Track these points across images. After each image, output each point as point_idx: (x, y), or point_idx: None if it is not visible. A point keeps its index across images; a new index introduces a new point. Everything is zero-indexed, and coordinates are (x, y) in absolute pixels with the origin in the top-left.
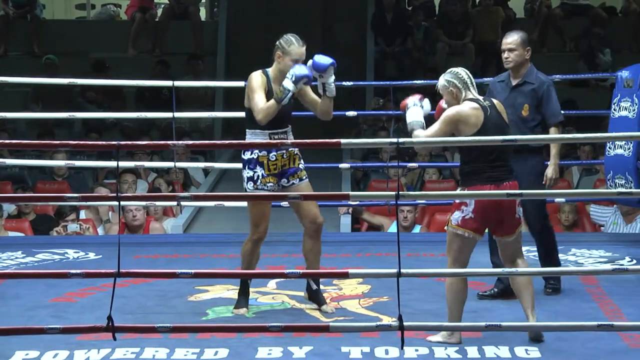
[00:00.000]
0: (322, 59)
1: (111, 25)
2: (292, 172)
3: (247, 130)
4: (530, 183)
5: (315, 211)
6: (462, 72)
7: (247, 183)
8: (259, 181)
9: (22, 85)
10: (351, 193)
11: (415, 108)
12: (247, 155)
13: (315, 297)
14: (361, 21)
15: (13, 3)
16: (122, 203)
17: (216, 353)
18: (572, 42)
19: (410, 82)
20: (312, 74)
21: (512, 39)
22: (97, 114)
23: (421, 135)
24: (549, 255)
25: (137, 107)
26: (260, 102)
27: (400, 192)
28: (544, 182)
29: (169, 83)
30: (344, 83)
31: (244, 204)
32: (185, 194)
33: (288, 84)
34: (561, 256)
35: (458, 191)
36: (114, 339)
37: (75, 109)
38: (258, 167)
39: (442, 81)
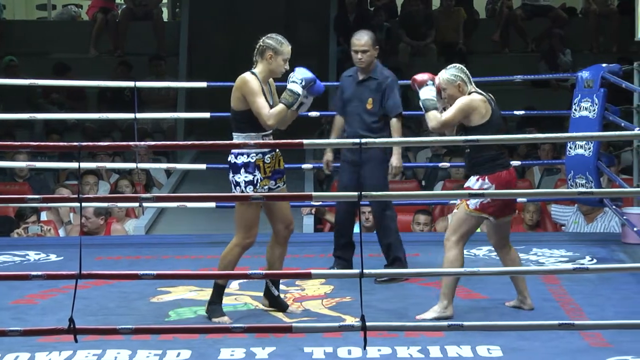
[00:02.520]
0: (309, 74)
1: (72, 26)
2: (279, 174)
3: (237, 134)
4: (372, 170)
5: (291, 216)
6: (463, 67)
7: (245, 187)
8: (258, 184)
9: None
10: (314, 193)
11: (430, 87)
12: (241, 159)
13: (277, 303)
14: (323, 21)
15: None
16: (83, 204)
17: (179, 354)
18: (534, 43)
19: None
20: (316, 78)
21: (364, 41)
22: (59, 115)
23: (433, 118)
24: (392, 241)
25: (99, 108)
26: (266, 107)
27: (362, 193)
28: (390, 172)
29: (130, 84)
30: None
31: (208, 204)
32: (148, 195)
33: (296, 87)
34: (523, 256)
35: (476, 180)
36: (76, 341)
37: (37, 110)
38: (256, 171)
39: (447, 75)
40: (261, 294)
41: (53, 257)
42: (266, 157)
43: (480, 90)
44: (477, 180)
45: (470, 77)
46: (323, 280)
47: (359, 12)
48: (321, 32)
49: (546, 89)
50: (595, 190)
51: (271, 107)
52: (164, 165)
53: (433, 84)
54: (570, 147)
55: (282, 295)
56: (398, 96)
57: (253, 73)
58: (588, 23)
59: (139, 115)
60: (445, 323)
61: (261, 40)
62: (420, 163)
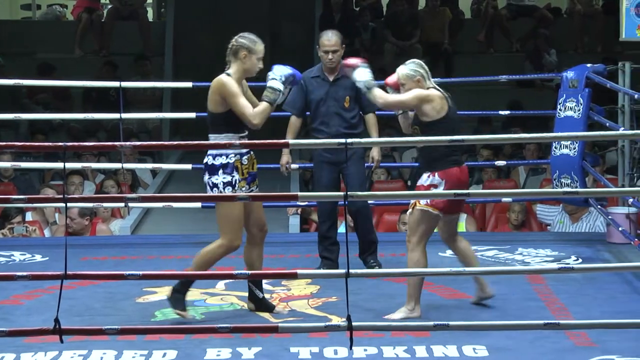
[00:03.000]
0: (288, 70)
1: (57, 26)
2: (254, 177)
3: (213, 135)
4: (354, 167)
5: (264, 218)
6: (422, 63)
7: (224, 188)
8: (237, 186)
9: None
10: (300, 194)
11: (364, 68)
12: (219, 160)
13: (263, 305)
14: (309, 21)
15: None
16: (68, 205)
17: (165, 355)
18: (519, 43)
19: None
20: (296, 73)
21: (334, 41)
22: (44, 115)
23: (381, 96)
24: (369, 231)
25: (84, 108)
26: (249, 107)
27: (348, 193)
28: (371, 163)
29: (116, 84)
30: None
31: (193, 204)
32: (133, 195)
33: (277, 84)
34: (508, 255)
35: (427, 177)
36: (61, 341)
37: (22, 110)
38: (235, 172)
39: (406, 70)
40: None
41: (38, 257)
42: (243, 158)
43: (438, 87)
44: (428, 176)
45: (429, 73)
46: (309, 280)
47: (344, 12)
48: (306, 32)
49: (531, 89)
50: (581, 190)
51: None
52: (150, 166)
53: (366, 66)
54: (556, 147)
55: (267, 296)
56: None
57: (228, 74)
58: (573, 23)
59: (125, 115)
60: (430, 323)
61: (234, 40)
62: (406, 163)
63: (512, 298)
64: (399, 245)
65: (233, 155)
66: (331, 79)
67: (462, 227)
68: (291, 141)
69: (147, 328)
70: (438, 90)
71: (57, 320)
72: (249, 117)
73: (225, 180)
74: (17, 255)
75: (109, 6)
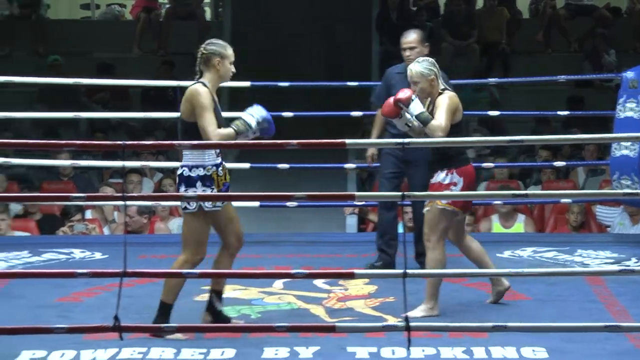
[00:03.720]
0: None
1: (116, 25)
2: (227, 188)
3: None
4: (418, 170)
5: (242, 230)
6: (434, 61)
7: (203, 201)
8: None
9: (27, 85)
10: (357, 193)
11: (416, 100)
12: (196, 172)
13: (221, 318)
14: (365, 21)
15: (18, 3)
16: (127, 203)
17: (222, 353)
18: (577, 43)
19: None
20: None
21: (412, 38)
22: (103, 113)
23: (439, 125)
24: None
25: (143, 107)
26: (213, 124)
27: (405, 193)
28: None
29: (174, 83)
30: (348, 83)
31: (251, 204)
32: (191, 194)
33: (251, 121)
34: (567, 257)
35: (445, 175)
36: (121, 338)
37: (81, 109)
38: (213, 184)
39: (420, 69)
40: (305, 293)
41: (98, 255)
42: (219, 169)
43: (449, 88)
44: (447, 174)
45: (441, 72)
46: (367, 280)
47: (400, 12)
48: (363, 31)
49: (590, 89)
50: None
51: (217, 119)
52: None
53: (417, 96)
54: (615, 148)
55: (325, 295)
56: None
57: (204, 84)
58: (632, 23)
59: None
60: (489, 324)
61: (202, 49)
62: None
63: (572, 300)
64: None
65: (210, 166)
66: None
67: (520, 228)
68: (348, 141)
69: (205, 326)
70: (452, 90)
71: (116, 318)
72: (210, 133)
73: (204, 193)
74: (77, 253)
75: (167, 6)
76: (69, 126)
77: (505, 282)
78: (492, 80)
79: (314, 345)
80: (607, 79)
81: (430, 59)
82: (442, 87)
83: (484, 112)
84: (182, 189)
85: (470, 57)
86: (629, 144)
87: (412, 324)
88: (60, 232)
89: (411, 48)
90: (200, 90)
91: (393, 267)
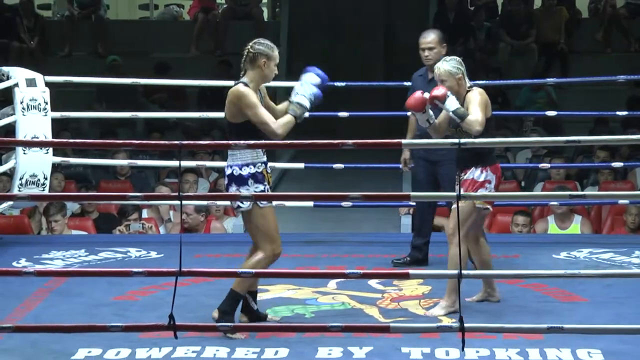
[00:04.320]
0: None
1: (174, 26)
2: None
3: (241, 150)
4: (448, 169)
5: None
6: (461, 60)
7: (256, 199)
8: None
9: (86, 85)
10: (412, 193)
11: (452, 96)
12: (247, 170)
13: (257, 317)
14: (423, 20)
15: (78, 3)
16: (184, 202)
17: (276, 353)
18: (637, 43)
19: (473, 82)
20: (320, 92)
21: (430, 38)
22: (160, 113)
23: (474, 120)
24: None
25: (199, 107)
26: (270, 118)
27: (461, 193)
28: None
29: (231, 83)
30: (404, 83)
31: (306, 203)
32: (246, 193)
33: (306, 102)
34: (624, 259)
35: (480, 172)
36: (176, 337)
37: (138, 108)
38: (265, 181)
39: (448, 67)
40: (359, 294)
41: (154, 254)
42: (267, 167)
43: (475, 86)
44: (481, 171)
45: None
46: (421, 281)
47: (459, 11)
48: (421, 31)
49: None
50: None
51: None
52: None
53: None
54: None
55: (379, 295)
56: None
57: (245, 84)
58: None
59: None
60: (544, 325)
61: (249, 47)
62: (520, 164)
63: (628, 302)
64: (512, 246)
65: (260, 164)
66: (429, 77)
67: (576, 229)
68: (404, 141)
69: (259, 326)
70: (479, 88)
71: (171, 317)
72: (272, 127)
73: (257, 190)
74: (133, 252)
75: (224, 6)
76: (127, 126)
77: (498, 295)
78: (550, 80)
79: (368, 346)
80: None
81: (458, 58)
82: (469, 84)
83: (541, 113)
84: (233, 188)
85: (529, 57)
86: None
87: (466, 325)
88: (117, 231)
89: (430, 48)
90: (244, 90)
91: (425, 264)
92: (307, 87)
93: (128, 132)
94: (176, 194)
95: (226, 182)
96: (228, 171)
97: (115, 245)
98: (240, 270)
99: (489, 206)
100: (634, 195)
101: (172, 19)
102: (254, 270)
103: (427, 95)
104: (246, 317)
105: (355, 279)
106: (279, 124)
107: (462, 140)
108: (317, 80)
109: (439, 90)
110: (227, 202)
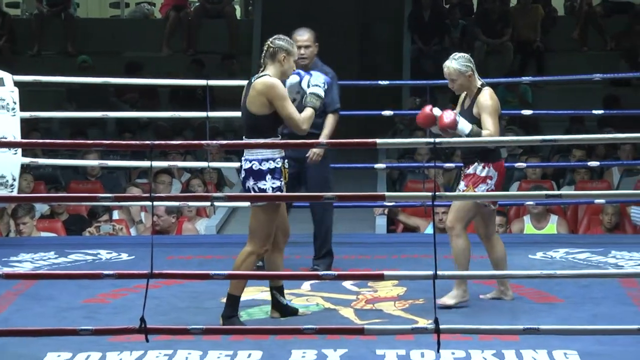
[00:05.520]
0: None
1: (145, 24)
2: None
3: (254, 139)
4: (314, 164)
5: (289, 225)
6: (470, 57)
7: (274, 193)
8: (284, 191)
9: (56, 85)
10: (387, 194)
11: (461, 119)
12: (266, 165)
13: (288, 311)
14: (398, 19)
15: (47, 2)
16: (155, 203)
17: (249, 355)
18: (613, 41)
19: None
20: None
21: (307, 37)
22: (131, 113)
23: (491, 135)
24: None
25: (171, 107)
26: (297, 112)
27: (436, 193)
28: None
29: (203, 82)
30: (379, 82)
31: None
32: (219, 194)
33: (321, 92)
34: (601, 259)
35: (482, 167)
36: (147, 340)
37: (109, 108)
38: (282, 177)
39: (458, 66)
40: (334, 295)
41: (124, 256)
42: (285, 162)
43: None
44: (484, 167)
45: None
46: (396, 282)
47: (434, 9)
48: (395, 30)
49: (627, 88)
50: None
51: None
52: (236, 164)
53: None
54: None
55: (353, 297)
56: (336, 93)
57: (270, 77)
58: None
59: (211, 114)
60: (520, 326)
61: (270, 42)
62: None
63: (605, 302)
64: None
65: (279, 159)
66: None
67: (553, 229)
68: (379, 141)
69: (232, 328)
70: (487, 86)
71: (142, 320)
72: (297, 121)
73: (274, 186)
74: (104, 254)
75: (196, 4)
76: (97, 126)
77: (511, 293)
78: (525, 79)
79: (342, 348)
80: None
81: (466, 55)
82: (480, 81)
83: (517, 112)
84: (250, 182)
85: (504, 55)
86: None
87: (442, 326)
88: (87, 233)
89: (306, 47)
90: (275, 81)
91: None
92: (317, 77)
93: (99, 132)
94: (147, 194)
95: (243, 175)
96: (247, 165)
97: (86, 247)
98: (213, 272)
99: (491, 204)
100: (610, 194)
101: (144, 17)
102: (225, 272)
103: (436, 111)
104: (278, 313)
105: (329, 280)
106: (304, 118)
107: (437, 140)
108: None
109: (448, 118)
110: (200, 203)
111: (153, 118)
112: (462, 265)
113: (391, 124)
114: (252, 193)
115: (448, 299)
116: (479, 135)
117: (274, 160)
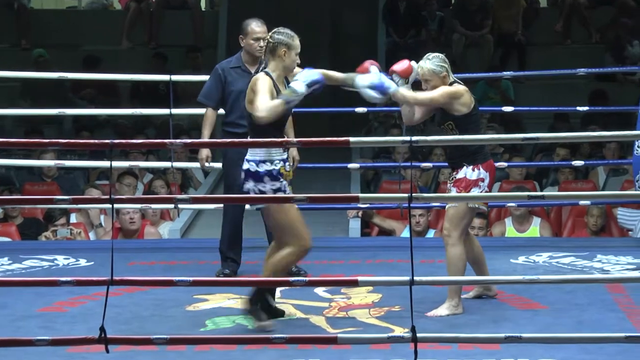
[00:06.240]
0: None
1: (104, 16)
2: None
3: (255, 138)
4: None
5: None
6: (444, 56)
7: (276, 195)
8: (287, 191)
9: (9, 80)
10: (361, 195)
11: (374, 69)
12: (264, 167)
13: (275, 313)
14: (372, 10)
15: None
16: (116, 206)
17: None
18: (598, 33)
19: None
20: (322, 77)
21: (264, 28)
22: (89, 110)
23: (412, 95)
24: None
25: (132, 103)
26: (263, 101)
27: (413, 194)
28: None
29: (166, 77)
30: None
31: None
32: (184, 196)
33: (300, 86)
34: (586, 263)
35: (472, 170)
36: (107, 351)
37: (66, 105)
38: (281, 178)
39: (431, 66)
40: (305, 302)
41: (83, 262)
42: (286, 165)
43: (460, 81)
44: (473, 170)
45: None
46: (371, 288)
47: (410, 1)
48: (369, 21)
49: (612, 83)
50: None
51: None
52: None
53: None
54: (639, 146)
55: (325, 304)
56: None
57: (267, 73)
58: None
59: (175, 111)
60: (502, 335)
61: (269, 37)
62: None
63: (590, 309)
64: None
65: (278, 161)
66: (252, 70)
67: (535, 231)
68: (352, 139)
69: (198, 338)
70: (461, 84)
71: (102, 329)
72: (257, 110)
73: (274, 187)
74: (61, 260)
75: None
76: (54, 124)
77: (494, 288)
78: (507, 73)
79: (314, 358)
80: (631, 72)
81: (441, 55)
82: (453, 80)
83: (498, 108)
84: (250, 184)
85: (484, 48)
86: None
87: (419, 335)
88: (43, 238)
89: (264, 39)
90: (261, 77)
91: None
92: (306, 73)
93: (55, 131)
94: (107, 196)
95: (243, 177)
96: (245, 166)
97: (41, 253)
98: (177, 279)
99: (484, 206)
100: (596, 195)
101: (102, 8)
102: (190, 279)
103: (413, 63)
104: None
105: (300, 286)
106: (262, 107)
107: (414, 138)
108: (316, 75)
109: (400, 66)
110: (163, 205)
111: (113, 115)
112: (456, 274)
113: (365, 121)
114: (253, 195)
115: (441, 310)
116: (397, 91)
117: (272, 162)
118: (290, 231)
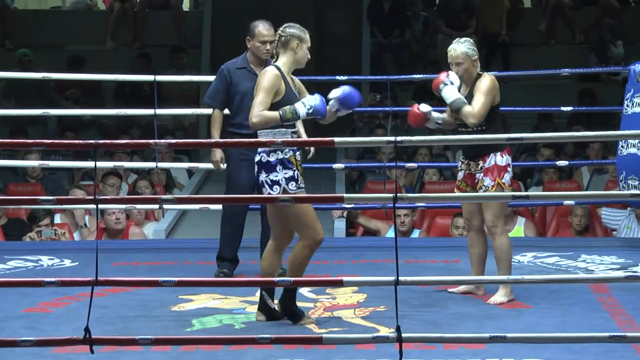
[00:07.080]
0: (355, 97)
1: (88, 16)
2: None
3: (265, 130)
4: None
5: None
6: (473, 41)
7: (287, 184)
8: (300, 179)
9: None
10: (345, 195)
11: (450, 85)
12: (274, 156)
13: (273, 315)
14: (356, 10)
15: None
16: (100, 206)
17: None
18: (582, 34)
19: (409, 76)
20: (326, 110)
21: (272, 31)
22: (74, 110)
23: (469, 112)
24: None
25: (116, 104)
26: (262, 105)
27: (398, 194)
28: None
29: (150, 77)
30: (337, 77)
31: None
32: (168, 196)
33: (302, 111)
34: (570, 263)
35: (500, 156)
36: (92, 352)
37: (50, 105)
38: (293, 166)
39: (464, 49)
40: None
41: (67, 262)
42: (297, 154)
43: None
44: (501, 155)
45: None
46: (356, 289)
47: (394, 1)
48: (354, 21)
49: (596, 84)
50: None
51: (296, 100)
52: (186, 165)
53: (451, 81)
54: (622, 146)
55: (311, 305)
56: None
57: (277, 67)
58: None
59: (159, 111)
60: (486, 335)
61: (281, 31)
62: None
63: (575, 309)
64: (452, 251)
65: (288, 150)
66: (258, 71)
67: (520, 231)
68: (337, 139)
69: (183, 338)
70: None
71: (87, 330)
72: (252, 111)
73: (287, 176)
74: (45, 260)
75: None
76: (38, 124)
77: (483, 289)
78: (491, 73)
79: (300, 358)
80: (614, 73)
81: (470, 39)
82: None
83: None
84: (263, 175)
85: None
86: (636, 141)
87: (404, 335)
88: (27, 238)
89: (272, 42)
90: (269, 70)
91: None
92: (313, 99)
93: (39, 131)
94: (92, 197)
95: (256, 169)
96: (257, 158)
97: (26, 253)
98: (162, 279)
99: (510, 190)
100: (580, 195)
101: (86, 8)
102: (175, 279)
103: (423, 108)
104: (263, 316)
105: (284, 287)
106: (260, 114)
107: (399, 138)
108: (338, 94)
109: (441, 76)
110: (147, 206)
111: (97, 116)
112: (506, 266)
113: (350, 121)
114: (266, 187)
115: (498, 297)
116: (460, 107)
117: (282, 150)
118: (305, 223)
